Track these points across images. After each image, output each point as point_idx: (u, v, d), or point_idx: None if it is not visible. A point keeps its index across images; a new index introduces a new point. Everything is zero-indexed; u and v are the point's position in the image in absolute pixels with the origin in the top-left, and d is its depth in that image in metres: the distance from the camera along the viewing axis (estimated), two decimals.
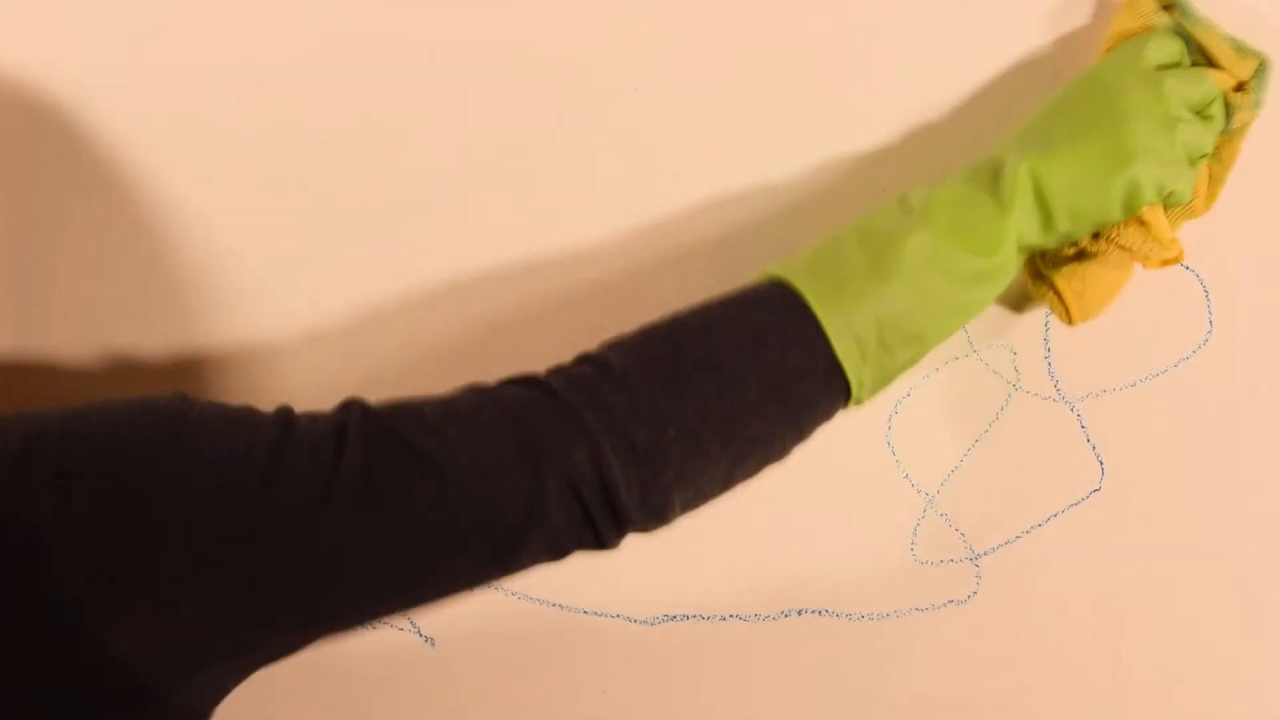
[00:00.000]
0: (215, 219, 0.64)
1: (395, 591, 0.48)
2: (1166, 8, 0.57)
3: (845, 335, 0.50)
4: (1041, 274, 0.60)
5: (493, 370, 0.64)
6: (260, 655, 0.48)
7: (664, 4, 0.62)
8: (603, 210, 0.65)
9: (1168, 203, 0.55)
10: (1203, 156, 0.56)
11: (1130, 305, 0.64)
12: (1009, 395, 0.65)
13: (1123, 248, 0.56)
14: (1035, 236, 0.54)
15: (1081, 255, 0.58)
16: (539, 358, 0.65)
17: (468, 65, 0.64)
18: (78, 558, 0.44)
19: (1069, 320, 0.59)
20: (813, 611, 0.65)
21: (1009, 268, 0.53)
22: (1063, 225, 0.54)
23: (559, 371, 0.52)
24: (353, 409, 0.50)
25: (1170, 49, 0.56)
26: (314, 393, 0.64)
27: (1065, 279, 0.59)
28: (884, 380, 0.52)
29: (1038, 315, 0.64)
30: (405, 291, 0.65)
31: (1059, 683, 0.64)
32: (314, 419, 0.49)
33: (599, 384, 0.50)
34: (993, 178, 0.53)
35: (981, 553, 0.65)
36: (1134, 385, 0.64)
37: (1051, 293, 0.59)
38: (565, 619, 0.65)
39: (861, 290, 0.50)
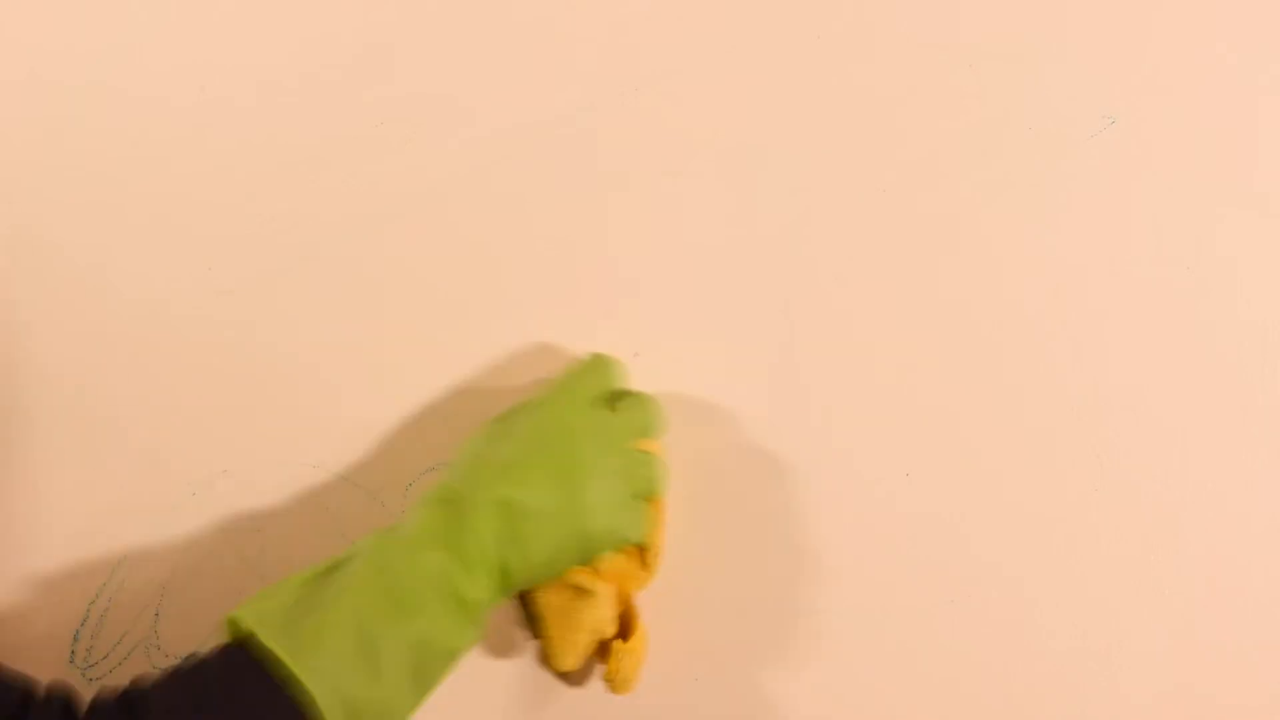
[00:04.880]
0: (207, 224, 0.64)
1: None
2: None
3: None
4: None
5: (490, 372, 0.65)
6: None
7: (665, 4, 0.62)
8: (601, 213, 0.65)
9: (619, 546, 0.57)
10: (651, 492, 0.57)
11: (1129, 305, 0.64)
12: (1008, 394, 0.65)
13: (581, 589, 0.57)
14: (494, 598, 0.54)
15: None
16: (537, 362, 0.65)
17: (463, 70, 0.64)
18: None
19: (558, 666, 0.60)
20: (800, 610, 0.65)
21: (478, 629, 0.54)
22: (521, 584, 0.55)
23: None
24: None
25: (610, 376, 0.60)
26: (314, 393, 0.65)
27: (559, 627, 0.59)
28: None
29: (1024, 310, 0.64)
30: (402, 296, 0.65)
31: (1059, 683, 0.64)
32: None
33: None
34: (453, 533, 0.53)
35: (981, 553, 0.65)
36: (1134, 385, 0.64)
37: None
38: None
39: (354, 680, 0.49)
